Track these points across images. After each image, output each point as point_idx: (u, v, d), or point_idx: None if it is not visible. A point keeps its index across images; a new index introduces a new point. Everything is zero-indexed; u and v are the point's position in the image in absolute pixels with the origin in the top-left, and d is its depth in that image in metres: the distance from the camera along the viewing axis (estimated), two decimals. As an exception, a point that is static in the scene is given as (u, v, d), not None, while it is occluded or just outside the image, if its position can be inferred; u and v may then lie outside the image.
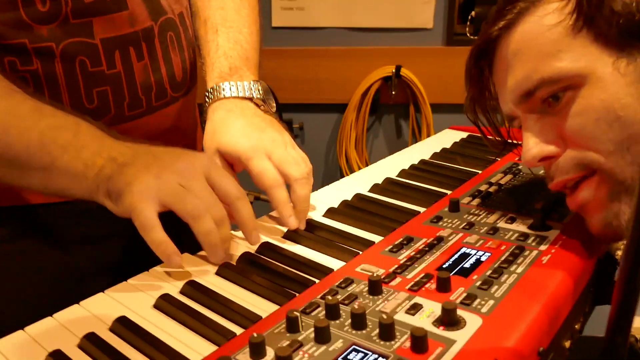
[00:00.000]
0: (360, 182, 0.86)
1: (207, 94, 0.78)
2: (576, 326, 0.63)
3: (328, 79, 1.84)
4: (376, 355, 0.45)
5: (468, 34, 1.84)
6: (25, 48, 0.66)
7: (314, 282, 0.58)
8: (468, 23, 1.83)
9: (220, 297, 0.56)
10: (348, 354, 0.45)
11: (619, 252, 0.74)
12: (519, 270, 0.57)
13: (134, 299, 0.57)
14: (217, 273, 0.62)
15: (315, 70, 1.82)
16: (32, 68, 0.67)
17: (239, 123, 0.73)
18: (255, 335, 0.46)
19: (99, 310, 0.55)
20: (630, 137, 0.55)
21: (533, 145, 0.61)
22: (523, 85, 0.60)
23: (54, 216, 0.74)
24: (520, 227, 0.67)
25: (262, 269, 0.62)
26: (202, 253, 0.65)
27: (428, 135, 1.83)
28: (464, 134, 1.14)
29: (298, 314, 0.49)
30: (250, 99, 0.77)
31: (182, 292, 0.58)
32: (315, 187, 0.78)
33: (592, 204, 0.60)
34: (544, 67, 0.58)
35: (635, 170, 0.56)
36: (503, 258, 0.60)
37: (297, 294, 0.56)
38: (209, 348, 0.49)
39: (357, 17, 1.80)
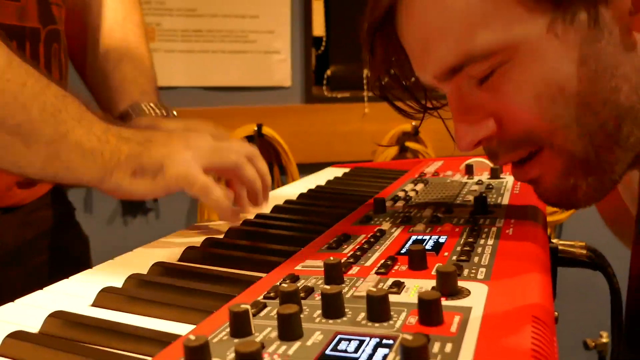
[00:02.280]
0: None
1: (123, 116, 0.75)
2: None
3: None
4: (377, 339, 0.31)
5: (325, 93, 1.85)
6: None
7: (236, 294, 0.42)
8: (324, 82, 1.84)
9: (108, 327, 0.38)
10: (336, 344, 0.31)
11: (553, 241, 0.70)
12: (490, 242, 0.48)
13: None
14: (94, 304, 0.43)
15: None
16: None
17: (173, 125, 0.72)
18: (192, 337, 0.29)
19: None
20: (577, 108, 0.49)
21: (466, 131, 0.52)
22: (447, 61, 0.50)
23: None
24: (461, 215, 0.59)
25: (161, 290, 0.45)
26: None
27: (296, 196, 1.74)
28: (346, 169, 1.07)
29: (248, 306, 0.33)
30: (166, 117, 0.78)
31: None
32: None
33: (545, 179, 0.53)
34: (471, 39, 0.48)
35: (587, 141, 0.50)
36: (465, 235, 0.50)
37: (219, 306, 0.39)
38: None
39: (212, 76, 1.70)
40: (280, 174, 1.80)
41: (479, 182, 0.77)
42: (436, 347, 0.29)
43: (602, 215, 0.87)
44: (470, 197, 0.66)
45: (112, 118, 0.64)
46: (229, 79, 1.72)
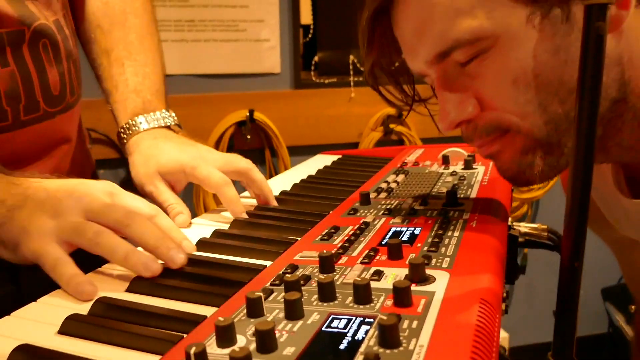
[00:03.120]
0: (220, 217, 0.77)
1: (123, 130, 0.79)
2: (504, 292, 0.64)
3: (178, 129, 1.76)
4: (361, 318, 0.40)
5: (314, 78, 1.92)
6: None
7: (247, 281, 0.51)
8: (312, 68, 1.91)
9: (142, 310, 0.47)
10: (329, 322, 0.40)
11: (520, 225, 0.79)
12: (456, 234, 0.57)
13: (31, 329, 0.45)
14: (129, 289, 0.52)
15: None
16: None
17: (170, 144, 0.75)
18: (221, 319, 0.38)
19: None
20: (547, 96, 0.55)
21: (449, 112, 0.59)
22: (437, 46, 0.57)
23: None
24: (435, 207, 0.68)
25: (182, 277, 0.54)
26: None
27: (287, 178, 1.83)
28: (336, 157, 1.16)
29: (260, 293, 0.42)
30: (168, 127, 0.79)
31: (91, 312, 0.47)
32: None
33: (504, 155, 0.60)
34: (458, 27, 0.55)
35: (552, 128, 0.57)
36: (436, 227, 0.59)
37: (234, 293, 0.48)
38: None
39: (204, 64, 1.77)
40: (272, 157, 1.89)
41: (453, 173, 0.86)
42: (405, 324, 0.38)
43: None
44: (444, 189, 0.75)
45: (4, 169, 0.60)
46: (220, 66, 1.79)
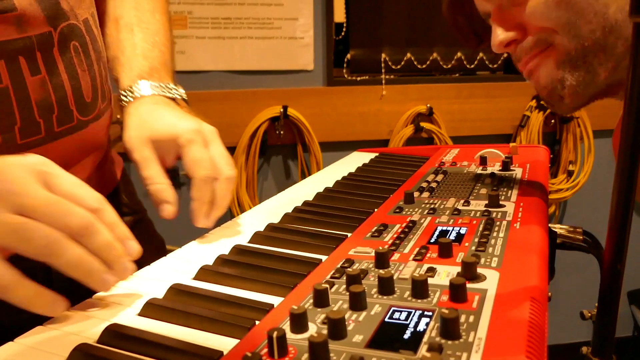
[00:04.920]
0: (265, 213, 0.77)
1: (125, 94, 0.71)
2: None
3: (213, 123, 1.81)
4: (420, 311, 0.44)
5: (346, 75, 1.95)
6: None
7: (307, 273, 0.55)
8: (345, 65, 1.94)
9: (214, 297, 0.51)
10: (391, 314, 0.43)
11: (556, 227, 0.82)
12: (501, 234, 0.60)
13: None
14: (196, 277, 0.56)
15: (198, 114, 1.78)
16: None
17: (171, 111, 0.68)
18: (295, 307, 0.42)
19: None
20: (574, 13, 0.65)
21: (499, 34, 0.71)
22: None
23: None
24: (478, 207, 0.71)
25: (245, 267, 0.58)
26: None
27: (318, 173, 1.87)
28: (373, 155, 1.19)
29: (327, 285, 0.46)
30: (174, 100, 0.73)
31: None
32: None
33: (542, 71, 0.70)
34: None
35: (579, 42, 0.66)
36: (481, 228, 0.62)
37: (296, 284, 0.52)
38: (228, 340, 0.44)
39: (240, 61, 1.82)
40: (304, 152, 1.93)
41: (492, 175, 0.89)
42: (463, 318, 0.42)
43: None
44: (484, 190, 0.78)
45: None
46: (255, 63, 1.83)
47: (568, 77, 0.69)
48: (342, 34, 1.93)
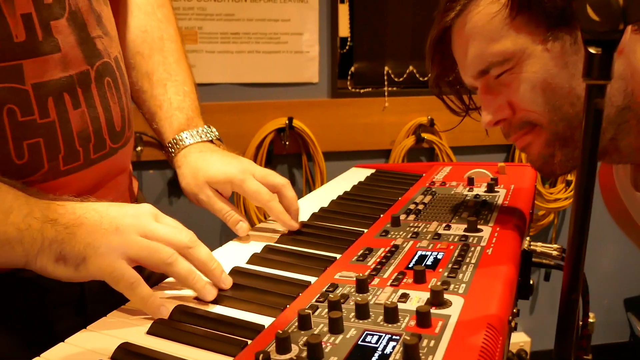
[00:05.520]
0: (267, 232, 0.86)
1: (171, 145, 0.86)
2: (515, 309, 0.73)
3: (221, 133, 1.88)
4: (389, 335, 0.50)
5: (350, 88, 2.02)
6: None
7: (296, 295, 0.62)
8: (349, 78, 2.01)
9: (213, 317, 0.58)
10: (364, 337, 0.50)
11: (532, 246, 0.88)
12: (473, 261, 0.66)
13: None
14: (196, 298, 0.63)
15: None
16: None
17: (216, 157, 0.83)
18: (280, 331, 0.49)
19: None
20: (559, 99, 0.72)
21: (489, 113, 0.77)
22: (477, 65, 0.75)
23: None
24: (457, 232, 0.77)
25: (242, 289, 0.65)
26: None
27: (322, 182, 1.94)
28: (370, 171, 1.25)
29: (310, 311, 0.53)
30: (211, 141, 0.86)
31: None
32: (214, 244, 0.77)
33: (534, 148, 0.78)
34: (491, 50, 0.73)
35: (566, 124, 0.73)
36: (456, 254, 0.69)
37: (286, 306, 0.59)
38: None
39: (248, 74, 1.89)
40: (308, 161, 1.99)
41: (476, 197, 0.95)
42: (425, 342, 0.48)
43: (614, 217, 1.07)
44: (466, 214, 0.84)
45: (37, 190, 0.63)
46: (263, 76, 1.90)
47: (558, 154, 0.76)
48: (347, 47, 2.00)
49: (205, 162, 0.83)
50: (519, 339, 2.27)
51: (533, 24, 0.71)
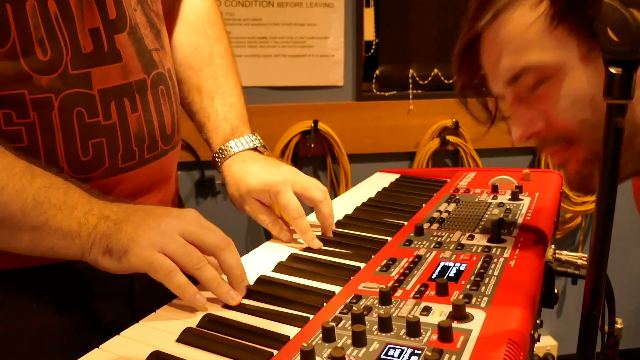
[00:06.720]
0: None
1: (217, 155, 0.91)
2: (537, 321, 0.74)
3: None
4: (412, 349, 0.51)
5: (374, 91, 2.02)
6: (24, 99, 0.65)
7: (321, 306, 0.63)
8: (373, 81, 2.02)
9: (239, 327, 0.60)
10: (387, 351, 0.52)
11: (557, 254, 0.88)
12: (496, 273, 0.67)
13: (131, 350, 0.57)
14: (224, 306, 0.65)
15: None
16: (29, 121, 0.66)
17: (257, 166, 0.86)
18: (305, 344, 0.51)
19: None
20: (599, 116, 0.66)
21: (520, 126, 0.73)
22: (510, 70, 0.70)
23: (45, 277, 0.71)
24: (480, 242, 0.78)
25: (269, 298, 0.67)
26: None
27: (346, 184, 1.95)
28: (394, 176, 1.26)
29: (333, 324, 0.54)
30: (255, 149, 0.91)
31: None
32: (239, 245, 0.77)
33: (571, 166, 0.73)
34: (527, 60, 0.68)
35: None
36: (479, 266, 0.70)
37: (311, 316, 0.61)
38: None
39: (274, 77, 1.91)
40: (333, 163, 2.01)
41: (500, 205, 0.95)
42: (446, 358, 0.49)
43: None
44: (490, 224, 0.85)
45: (98, 192, 0.68)
46: (289, 79, 1.92)
47: (596, 173, 0.70)
48: (372, 51, 2.00)
49: (246, 172, 0.87)
50: (546, 343, 2.25)
51: (575, 36, 0.66)
